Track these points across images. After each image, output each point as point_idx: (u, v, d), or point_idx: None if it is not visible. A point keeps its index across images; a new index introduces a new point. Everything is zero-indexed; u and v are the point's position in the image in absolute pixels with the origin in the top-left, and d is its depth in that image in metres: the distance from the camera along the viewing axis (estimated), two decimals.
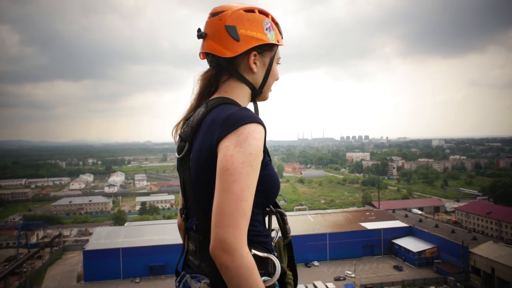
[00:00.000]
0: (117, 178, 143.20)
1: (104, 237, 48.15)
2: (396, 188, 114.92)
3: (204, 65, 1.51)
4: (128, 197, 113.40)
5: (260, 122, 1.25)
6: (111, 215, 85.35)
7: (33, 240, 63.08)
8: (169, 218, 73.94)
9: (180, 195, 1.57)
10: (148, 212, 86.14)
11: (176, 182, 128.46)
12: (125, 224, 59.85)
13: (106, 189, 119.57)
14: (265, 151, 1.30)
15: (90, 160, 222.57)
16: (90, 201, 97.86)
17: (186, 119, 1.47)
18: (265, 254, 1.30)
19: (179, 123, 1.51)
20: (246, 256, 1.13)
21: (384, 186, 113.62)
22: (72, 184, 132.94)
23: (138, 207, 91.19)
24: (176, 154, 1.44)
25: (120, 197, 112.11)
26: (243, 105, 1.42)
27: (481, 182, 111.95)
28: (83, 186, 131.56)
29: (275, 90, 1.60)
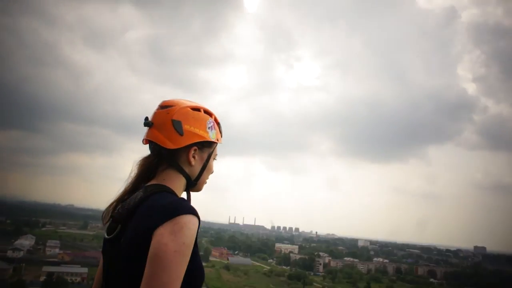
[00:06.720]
0: (26, 241, 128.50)
1: None
2: (321, 286, 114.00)
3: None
4: (34, 265, 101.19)
5: (196, 214, 1.30)
6: (8, 285, 75.18)
7: None
8: None
9: (97, 275, 1.58)
10: (54, 285, 76.98)
11: (92, 253, 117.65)
12: None
13: (10, 253, 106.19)
14: (195, 241, 1.33)
15: None
16: None
17: (121, 201, 1.48)
18: None
19: (111, 204, 1.51)
20: None
21: (310, 282, 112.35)
22: None
23: (43, 278, 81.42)
24: (105, 235, 1.43)
25: (24, 264, 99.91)
26: (178, 193, 1.48)
27: (402, 287, 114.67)
28: None
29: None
